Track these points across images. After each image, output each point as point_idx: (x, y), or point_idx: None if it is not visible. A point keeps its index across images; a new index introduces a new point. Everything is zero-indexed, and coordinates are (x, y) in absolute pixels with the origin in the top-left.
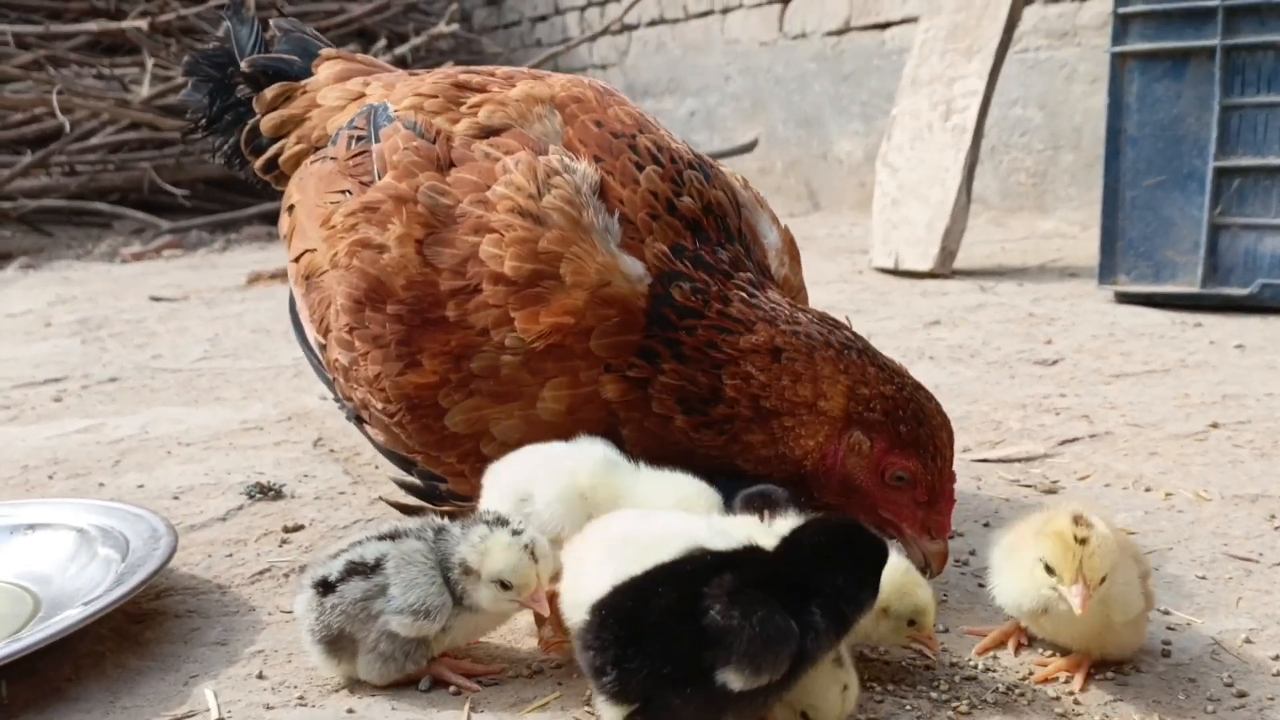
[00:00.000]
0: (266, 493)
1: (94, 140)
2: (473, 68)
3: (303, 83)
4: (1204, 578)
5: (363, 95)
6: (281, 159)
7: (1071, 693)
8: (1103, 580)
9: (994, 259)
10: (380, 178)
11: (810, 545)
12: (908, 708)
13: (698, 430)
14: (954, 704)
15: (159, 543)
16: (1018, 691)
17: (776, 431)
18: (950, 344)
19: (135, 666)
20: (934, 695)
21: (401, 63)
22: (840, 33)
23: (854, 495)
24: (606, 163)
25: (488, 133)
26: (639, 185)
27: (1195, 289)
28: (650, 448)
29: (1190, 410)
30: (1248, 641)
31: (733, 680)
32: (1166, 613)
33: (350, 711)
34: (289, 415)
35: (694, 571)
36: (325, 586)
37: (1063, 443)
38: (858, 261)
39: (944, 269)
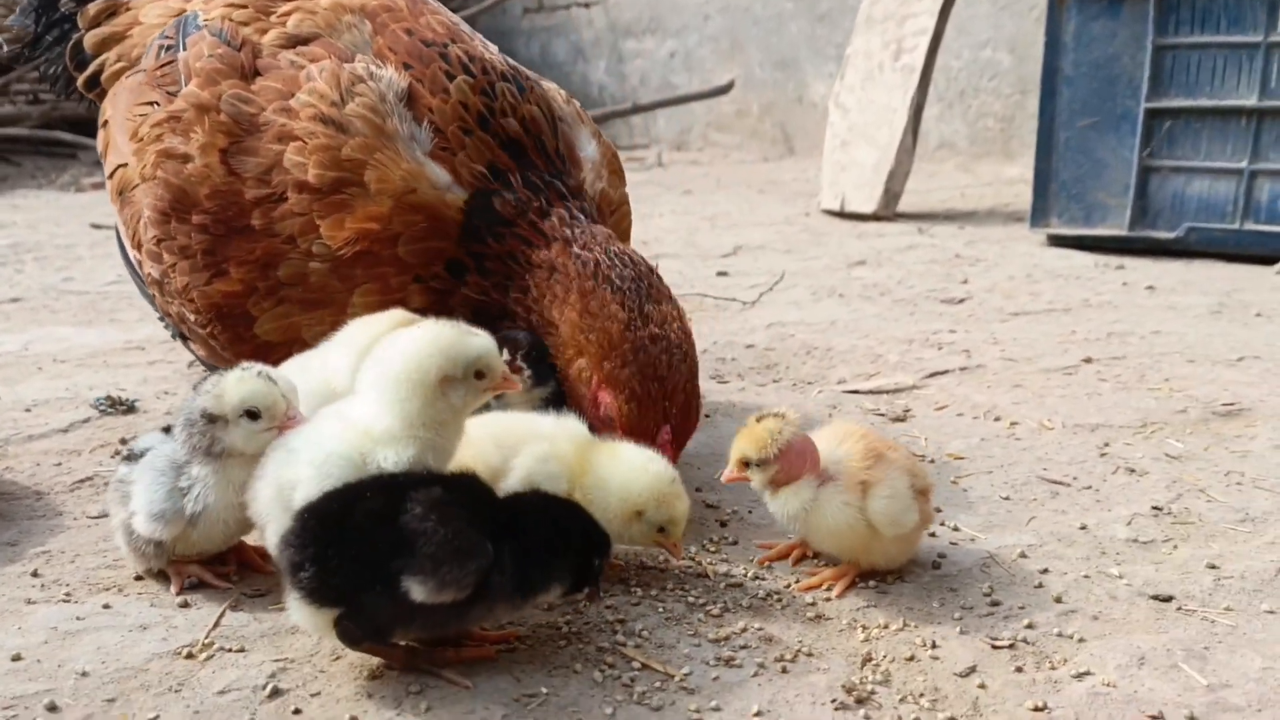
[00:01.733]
0: (117, 406)
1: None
2: None
3: (127, 0)
4: (1008, 498)
5: (183, 11)
6: (103, 76)
7: (828, 598)
8: (749, 463)
9: (948, 204)
10: (186, 86)
11: (536, 506)
12: (661, 609)
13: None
14: (708, 607)
15: None
16: (776, 598)
17: (553, 352)
18: (866, 283)
19: None
20: (691, 599)
21: None
22: None
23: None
24: (416, 70)
25: (295, 42)
26: (449, 96)
27: (1123, 232)
28: None
29: (1070, 346)
30: (1022, 556)
31: (415, 588)
32: (955, 529)
33: (106, 607)
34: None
35: (406, 483)
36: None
37: (931, 375)
38: (810, 205)
39: (887, 211)
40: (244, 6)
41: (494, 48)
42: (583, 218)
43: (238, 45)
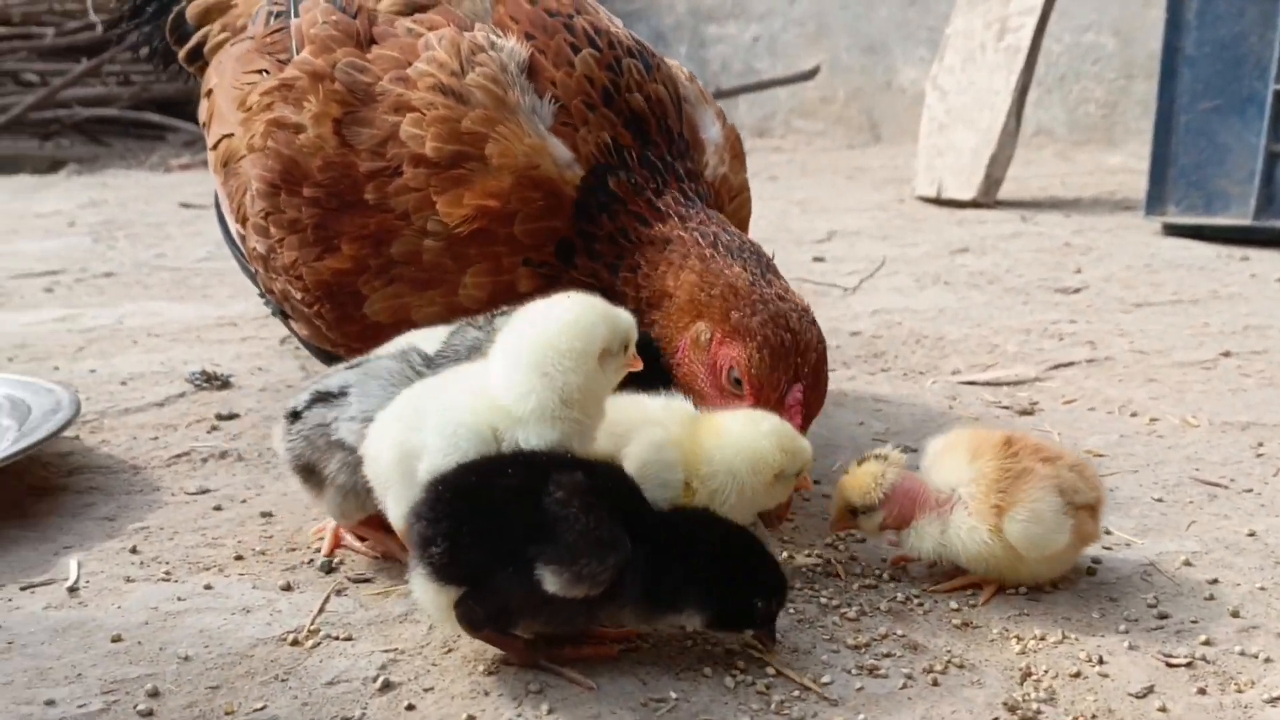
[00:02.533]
0: (212, 381)
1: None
2: None
3: None
4: (1161, 500)
5: None
6: (206, 48)
7: (974, 605)
8: (855, 510)
9: (1048, 191)
10: (298, 54)
11: (701, 522)
12: (791, 610)
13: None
14: (843, 610)
15: (56, 414)
16: (916, 602)
17: (654, 328)
18: (971, 270)
19: (14, 535)
20: (823, 600)
21: None
22: None
23: (700, 394)
24: (539, 41)
25: (413, 9)
26: (573, 69)
27: (1248, 221)
28: None
29: (1205, 339)
30: (1186, 564)
31: (549, 578)
32: (1108, 531)
33: (208, 588)
34: (267, 314)
35: (548, 463)
36: (293, 415)
37: (1056, 367)
38: (903, 191)
39: (987, 198)
40: None
41: (619, 21)
42: (698, 201)
43: (353, 12)
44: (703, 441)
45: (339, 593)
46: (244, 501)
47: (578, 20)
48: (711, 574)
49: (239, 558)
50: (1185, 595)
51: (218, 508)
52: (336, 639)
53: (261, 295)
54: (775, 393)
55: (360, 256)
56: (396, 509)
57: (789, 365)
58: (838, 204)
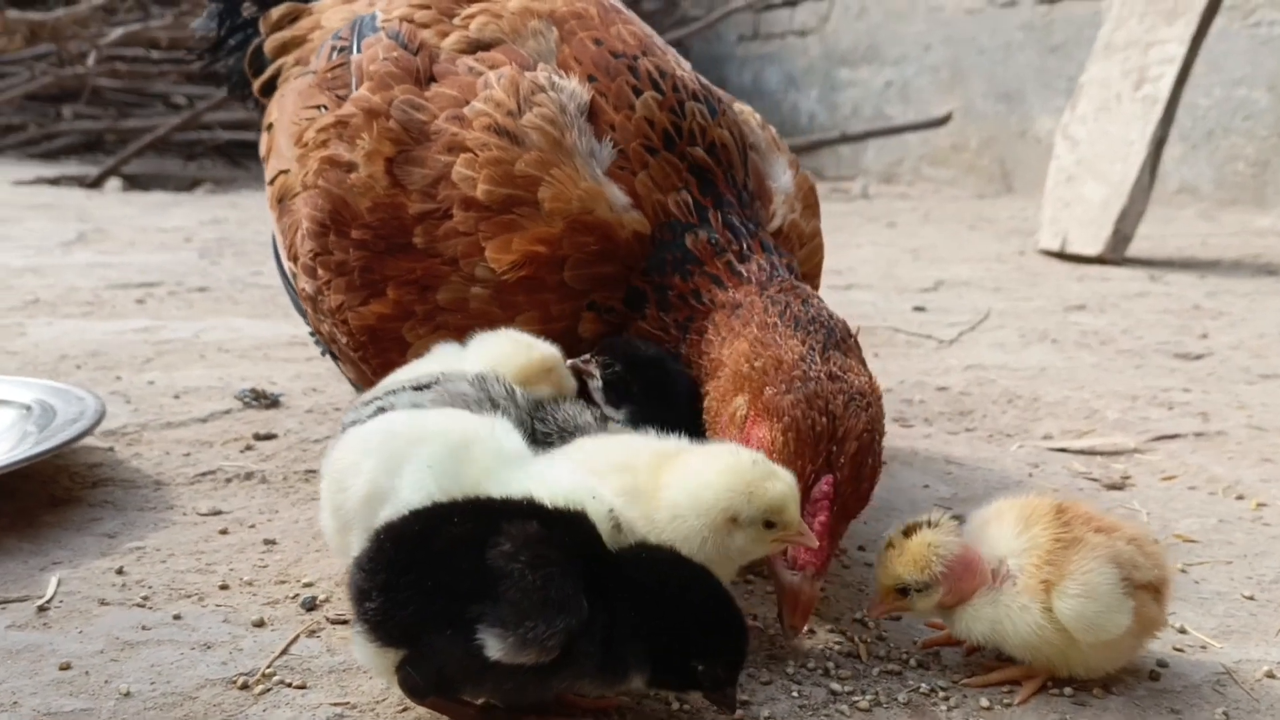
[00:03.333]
0: (260, 399)
1: None
2: None
3: (310, 4)
4: (1252, 598)
5: (371, 11)
6: (280, 81)
7: (1009, 704)
8: (904, 590)
9: (1185, 251)
10: (357, 90)
11: (658, 571)
12: (795, 694)
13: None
14: (855, 698)
15: (75, 424)
16: (942, 695)
17: (709, 398)
18: (1085, 329)
19: (11, 547)
20: (835, 685)
21: None
22: (1053, 0)
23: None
24: (601, 83)
25: (476, 47)
26: (634, 112)
27: None
28: None
29: None
30: (1270, 676)
31: (491, 642)
32: (1182, 630)
33: (177, 618)
34: None
35: (503, 511)
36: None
37: (1159, 439)
38: (1025, 243)
39: (1114, 254)
40: (427, 7)
41: (686, 64)
42: (785, 271)
43: (415, 49)
44: (661, 482)
45: (311, 633)
46: (252, 526)
47: (642, 62)
48: (653, 626)
49: (224, 586)
50: (1262, 713)
51: (223, 531)
52: (289, 685)
53: (311, 334)
54: (800, 482)
55: (405, 302)
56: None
57: (818, 453)
58: (953, 254)
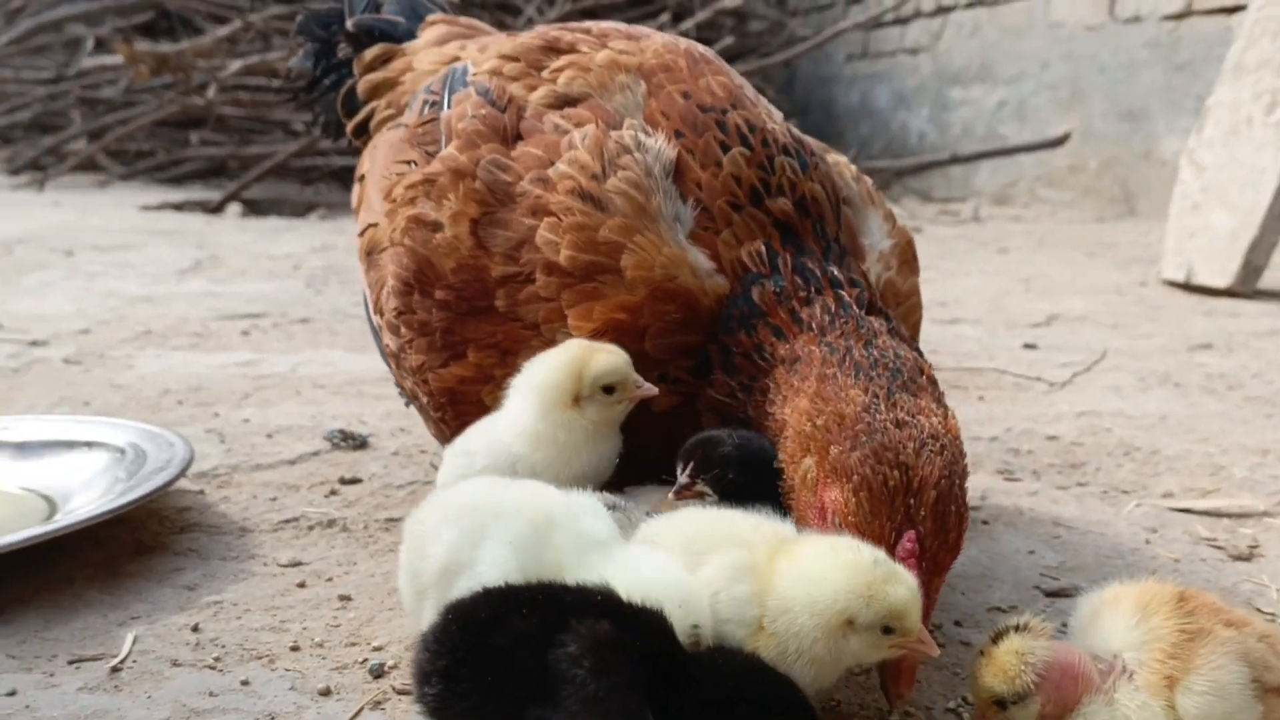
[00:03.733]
0: (348, 440)
1: None
2: (570, 24)
3: (404, 45)
4: None
5: (457, 59)
6: (372, 123)
7: None
8: (1000, 703)
9: None
10: (445, 147)
11: (734, 683)
12: None
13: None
14: None
15: (161, 473)
16: None
17: (783, 463)
18: (1210, 372)
19: (92, 600)
20: None
21: None
22: (1179, 17)
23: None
24: (688, 139)
25: (563, 102)
26: (720, 169)
27: None
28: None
29: None
30: None
31: None
32: None
33: (245, 684)
34: None
35: (573, 604)
36: None
37: None
38: (1147, 273)
39: (1244, 287)
40: (516, 59)
41: (778, 115)
42: (855, 308)
43: (503, 105)
44: (776, 570)
45: (376, 704)
46: (329, 580)
47: (731, 116)
48: None
49: (295, 648)
50: None
51: (301, 584)
52: None
53: (397, 387)
54: (881, 544)
55: (485, 366)
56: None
57: (895, 509)
58: (1068, 284)
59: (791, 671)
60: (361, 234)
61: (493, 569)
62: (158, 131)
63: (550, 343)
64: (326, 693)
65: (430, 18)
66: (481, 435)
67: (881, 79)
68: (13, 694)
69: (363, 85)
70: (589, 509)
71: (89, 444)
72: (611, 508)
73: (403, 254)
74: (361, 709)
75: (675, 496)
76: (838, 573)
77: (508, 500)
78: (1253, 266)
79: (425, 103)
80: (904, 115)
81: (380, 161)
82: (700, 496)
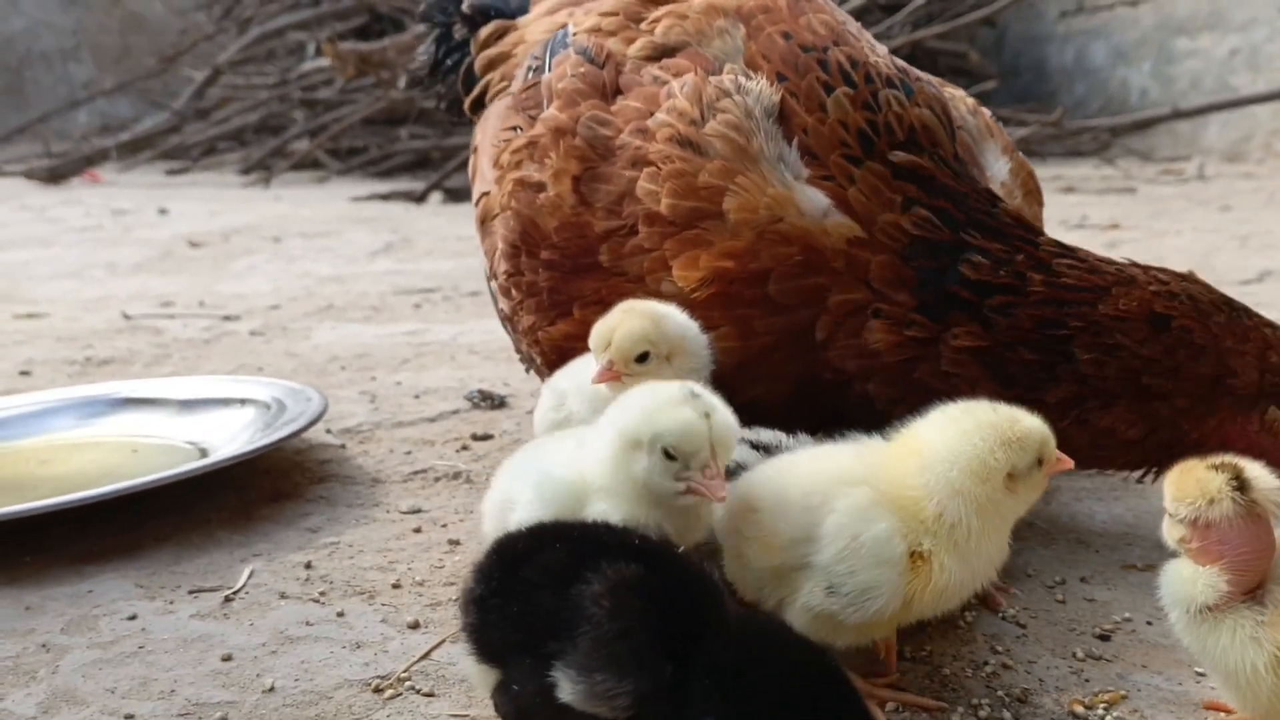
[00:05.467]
0: (487, 400)
1: None
2: None
3: (516, 20)
4: None
5: (564, 25)
6: (487, 97)
7: None
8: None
9: None
10: (547, 109)
11: (767, 649)
12: None
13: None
14: None
15: (289, 425)
16: None
17: (1161, 412)
18: None
19: (221, 538)
20: None
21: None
22: None
23: None
24: (791, 82)
25: (662, 52)
26: (825, 114)
27: None
28: (919, 406)
29: None
30: None
31: (563, 684)
32: None
33: (340, 615)
34: None
35: (610, 542)
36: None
37: None
38: None
39: None
40: (615, 14)
41: (882, 49)
42: (1070, 249)
43: (601, 61)
44: (907, 477)
45: (456, 638)
46: (444, 526)
47: (833, 53)
48: (740, 710)
49: (396, 585)
50: None
51: (417, 529)
52: (418, 692)
53: (517, 352)
54: None
55: (591, 322)
56: None
57: None
58: None
59: (974, 559)
60: (476, 203)
61: (525, 508)
62: (370, 128)
63: (655, 294)
64: (415, 626)
65: None
66: (571, 376)
67: (1098, 34)
68: (133, 618)
69: (479, 62)
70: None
71: (242, 401)
72: (766, 448)
73: (510, 217)
74: (441, 642)
75: None
76: (980, 437)
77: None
78: None
79: (529, 68)
80: (1124, 71)
81: (490, 130)
82: None
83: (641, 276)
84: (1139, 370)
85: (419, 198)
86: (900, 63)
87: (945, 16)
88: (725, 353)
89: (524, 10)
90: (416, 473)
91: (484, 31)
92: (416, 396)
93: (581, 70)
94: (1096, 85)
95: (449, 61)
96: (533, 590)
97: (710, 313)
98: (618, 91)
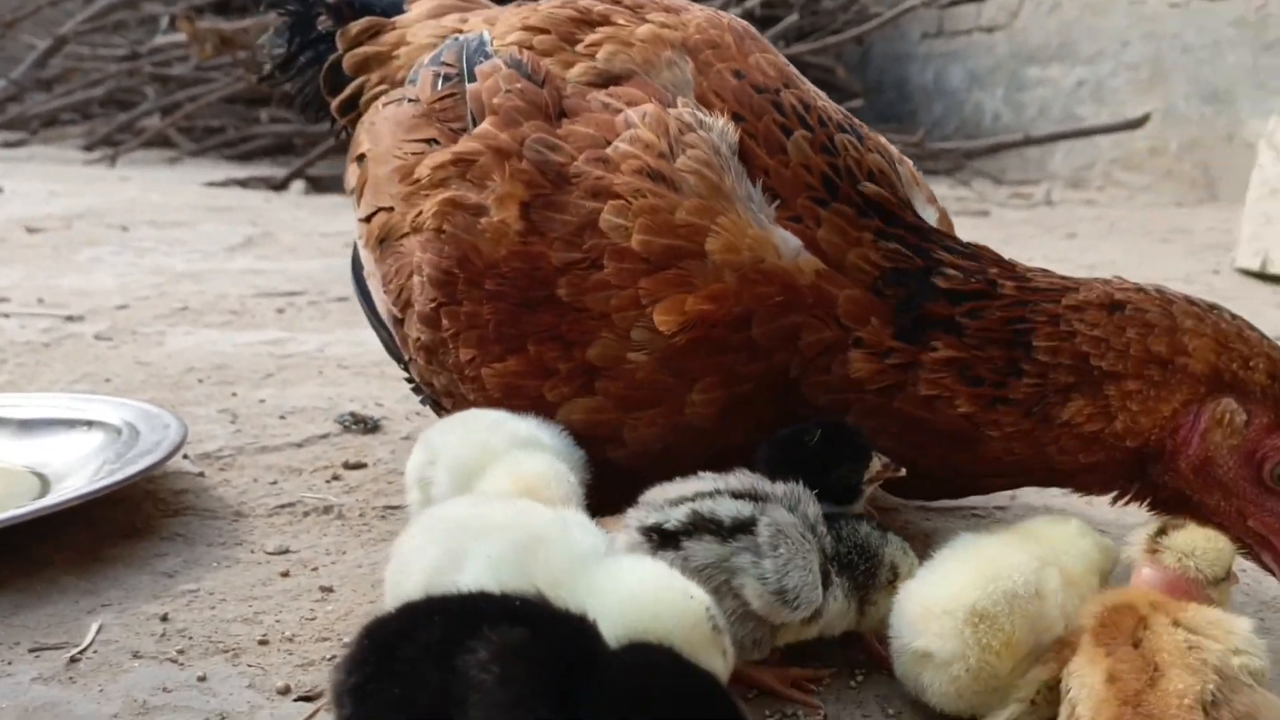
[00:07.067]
0: (360, 423)
1: None
2: None
3: (393, 19)
4: None
5: (459, 32)
6: (362, 99)
7: None
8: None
9: None
10: (476, 125)
11: (649, 678)
12: None
13: (990, 409)
14: None
15: (144, 458)
16: None
17: (1113, 399)
18: None
19: (66, 584)
20: None
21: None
22: None
23: (1210, 489)
24: (748, 123)
25: (607, 79)
26: (787, 155)
27: None
28: (900, 435)
29: None
30: None
31: None
32: None
33: (202, 679)
34: None
35: (489, 611)
36: (661, 536)
37: None
38: (1222, 260)
39: None
40: (545, 31)
41: (823, 95)
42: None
43: (540, 79)
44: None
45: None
46: (314, 570)
47: (785, 96)
48: None
49: (263, 641)
50: None
51: (285, 573)
52: None
53: (410, 382)
54: None
55: (547, 359)
56: None
57: None
58: (1133, 271)
59: None
60: (367, 219)
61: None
62: (228, 108)
63: (623, 334)
64: (285, 691)
65: None
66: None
67: (956, 58)
68: None
69: (350, 60)
70: (576, 521)
71: (89, 423)
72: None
73: (442, 241)
74: (317, 711)
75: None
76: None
77: (490, 519)
78: None
79: (437, 75)
80: (979, 95)
81: (386, 140)
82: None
83: (607, 314)
84: (1089, 354)
85: (280, 185)
86: (843, 109)
87: (817, 34)
88: (707, 404)
89: (396, 9)
90: (283, 506)
91: (355, 27)
92: (282, 417)
93: (519, 86)
94: (953, 107)
95: (304, 57)
96: (413, 669)
97: (691, 361)
98: (562, 114)
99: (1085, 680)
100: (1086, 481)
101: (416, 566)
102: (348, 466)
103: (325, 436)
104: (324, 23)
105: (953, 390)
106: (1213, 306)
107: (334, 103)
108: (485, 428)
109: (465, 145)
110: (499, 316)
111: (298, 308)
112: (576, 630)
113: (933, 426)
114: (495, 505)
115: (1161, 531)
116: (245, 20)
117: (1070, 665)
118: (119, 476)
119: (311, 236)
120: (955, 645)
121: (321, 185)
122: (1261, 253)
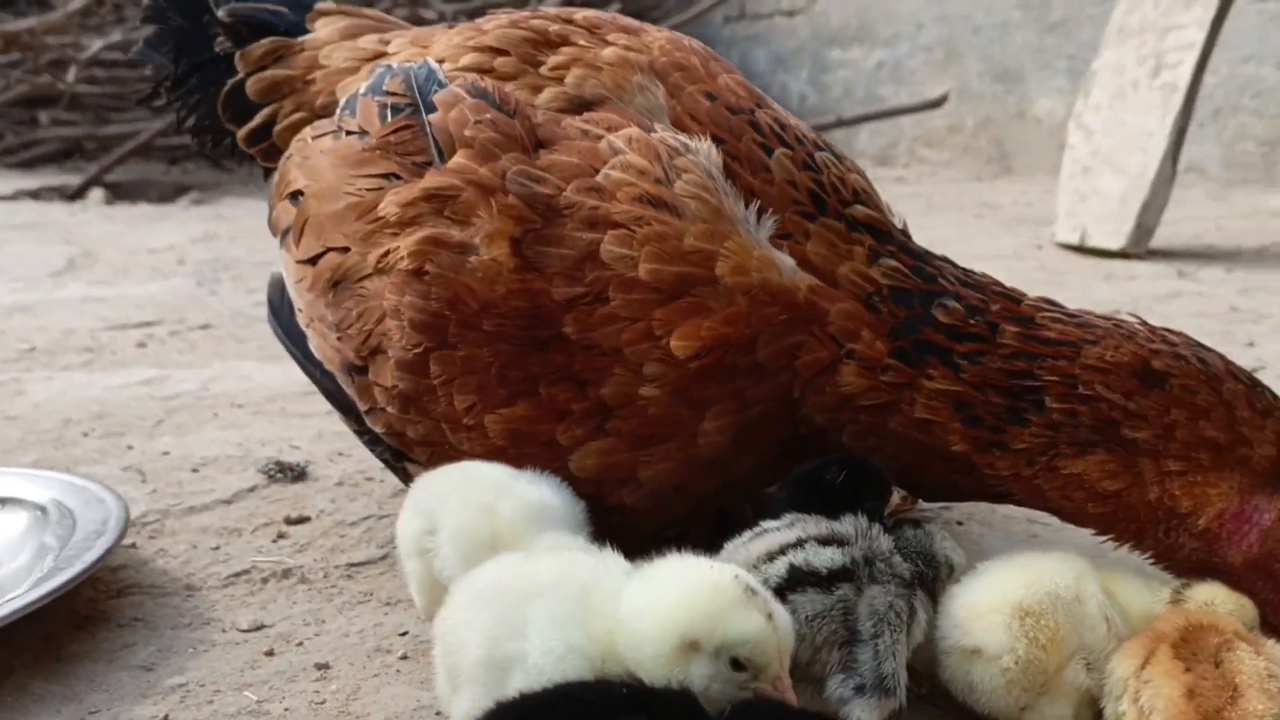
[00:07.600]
0: (286, 471)
1: None
2: (541, 10)
3: (299, 40)
4: None
5: (381, 54)
6: (276, 128)
7: None
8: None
9: (1203, 238)
10: (443, 158)
11: None
12: None
13: (986, 451)
14: None
15: (95, 541)
16: None
17: (1147, 471)
18: None
19: (40, 691)
20: None
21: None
22: None
23: (1261, 580)
24: (729, 144)
25: (580, 105)
26: (771, 174)
27: None
28: (898, 456)
29: None
30: None
31: None
32: None
33: None
34: None
35: (604, 704)
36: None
37: None
38: (1040, 234)
39: (1137, 248)
40: (503, 53)
41: (793, 114)
42: (1051, 304)
43: (511, 110)
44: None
45: None
46: (299, 645)
47: (760, 115)
48: None
49: None
50: None
51: (269, 652)
52: None
53: (364, 434)
54: None
55: (560, 401)
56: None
57: None
58: (968, 248)
59: None
60: (312, 261)
61: (544, 656)
62: (5, 113)
63: (635, 369)
64: None
65: (320, 6)
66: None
67: (760, 41)
68: None
69: (255, 84)
70: (622, 568)
71: (3, 500)
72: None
73: (426, 283)
74: None
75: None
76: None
77: (538, 577)
78: (1145, 228)
79: (384, 106)
80: (784, 78)
81: (328, 175)
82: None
83: (619, 348)
84: (1119, 422)
85: (75, 195)
86: (808, 125)
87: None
88: (719, 431)
89: (298, 28)
90: (236, 574)
91: (257, 49)
92: (195, 470)
93: (489, 117)
94: (760, 89)
95: (195, 78)
96: None
97: (705, 389)
98: (539, 144)
99: (1162, 692)
100: (1087, 524)
101: (471, 640)
102: (289, 522)
103: (253, 489)
104: (222, 44)
105: (948, 423)
106: (1255, 382)
107: (240, 132)
108: (489, 491)
109: (438, 180)
110: (502, 359)
111: (159, 340)
112: (688, 706)
113: (930, 448)
114: (536, 562)
115: (1185, 584)
116: (29, 20)
117: (1144, 673)
118: (83, 565)
119: (138, 254)
120: (1004, 638)
121: (123, 193)
122: (1079, 228)
